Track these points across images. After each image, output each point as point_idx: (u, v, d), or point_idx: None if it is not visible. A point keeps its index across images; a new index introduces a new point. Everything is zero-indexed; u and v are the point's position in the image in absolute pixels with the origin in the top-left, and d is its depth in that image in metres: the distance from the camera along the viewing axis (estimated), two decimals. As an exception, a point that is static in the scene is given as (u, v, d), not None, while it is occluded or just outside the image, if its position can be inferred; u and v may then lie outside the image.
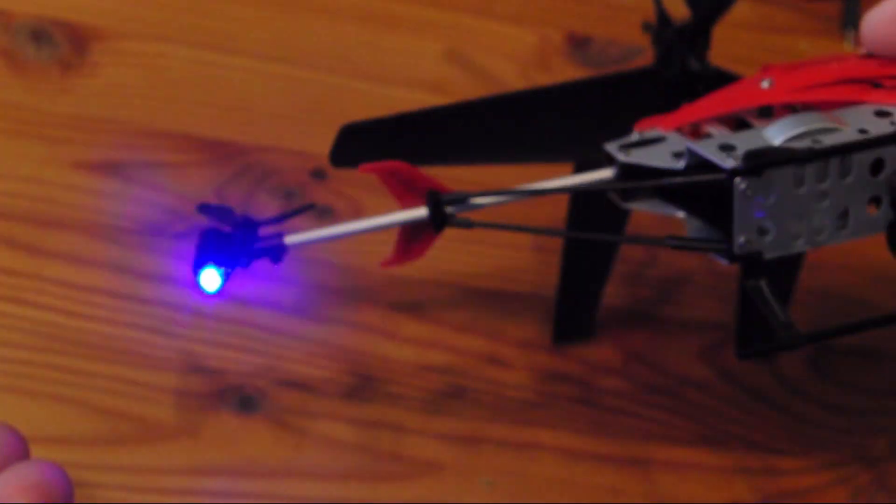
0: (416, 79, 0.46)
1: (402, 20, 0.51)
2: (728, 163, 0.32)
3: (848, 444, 0.44)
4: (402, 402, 0.43)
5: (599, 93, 0.40)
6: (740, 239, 0.33)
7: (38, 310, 0.43)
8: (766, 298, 0.33)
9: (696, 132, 0.35)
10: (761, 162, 0.31)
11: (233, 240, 0.35)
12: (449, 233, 0.46)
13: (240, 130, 0.47)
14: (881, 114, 0.33)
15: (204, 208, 0.36)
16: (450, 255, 0.46)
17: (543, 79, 0.51)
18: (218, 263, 0.35)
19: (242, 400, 0.42)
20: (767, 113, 0.34)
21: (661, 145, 0.34)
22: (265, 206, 0.45)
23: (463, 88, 0.49)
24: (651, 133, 0.34)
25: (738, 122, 0.35)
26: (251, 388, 0.42)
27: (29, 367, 0.42)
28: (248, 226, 0.35)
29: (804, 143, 0.32)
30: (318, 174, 0.47)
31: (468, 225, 0.35)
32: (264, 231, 0.36)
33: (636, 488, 0.42)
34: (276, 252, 0.36)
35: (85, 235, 0.44)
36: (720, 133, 0.34)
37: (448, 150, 0.39)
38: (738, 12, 0.53)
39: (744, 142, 0.33)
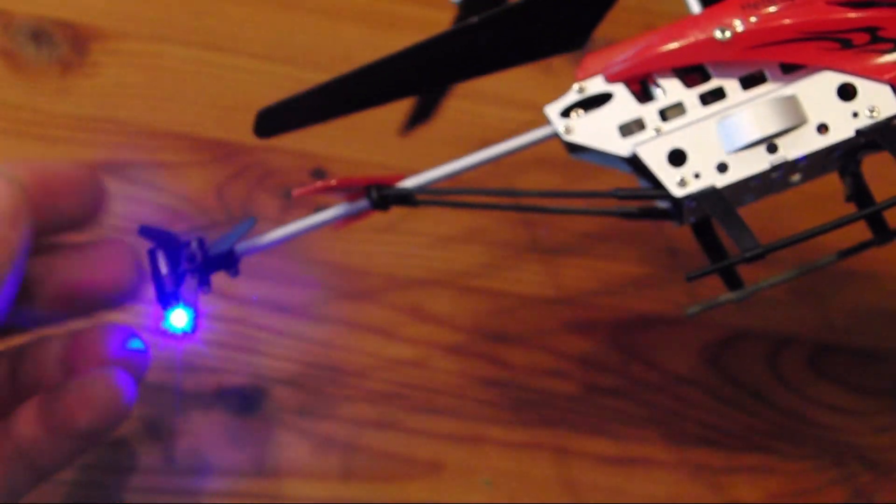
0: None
1: (402, 20, 0.51)
2: (677, 191, 0.31)
3: (848, 444, 0.44)
4: (402, 402, 0.43)
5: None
6: (690, 218, 0.32)
7: (38, 310, 0.43)
8: (723, 227, 0.32)
9: (646, 80, 0.33)
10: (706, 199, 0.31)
11: (184, 259, 0.35)
12: (449, 233, 0.46)
13: (240, 130, 0.47)
14: (845, 91, 0.31)
15: (145, 231, 0.35)
16: (449, 255, 0.46)
17: (544, 78, 0.50)
18: (176, 294, 0.34)
19: (242, 400, 0.42)
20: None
21: (606, 109, 0.32)
22: (265, 206, 0.45)
23: (463, 89, 0.49)
24: (595, 86, 0.32)
25: (699, 71, 0.33)
26: (251, 388, 0.42)
27: (29, 367, 0.42)
28: (196, 245, 0.35)
29: (761, 153, 0.31)
30: (318, 174, 0.47)
31: (414, 203, 0.35)
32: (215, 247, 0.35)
33: (636, 488, 0.42)
34: (230, 263, 0.36)
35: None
36: (672, 88, 0.32)
37: (369, 98, 0.37)
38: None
39: (696, 148, 0.31)
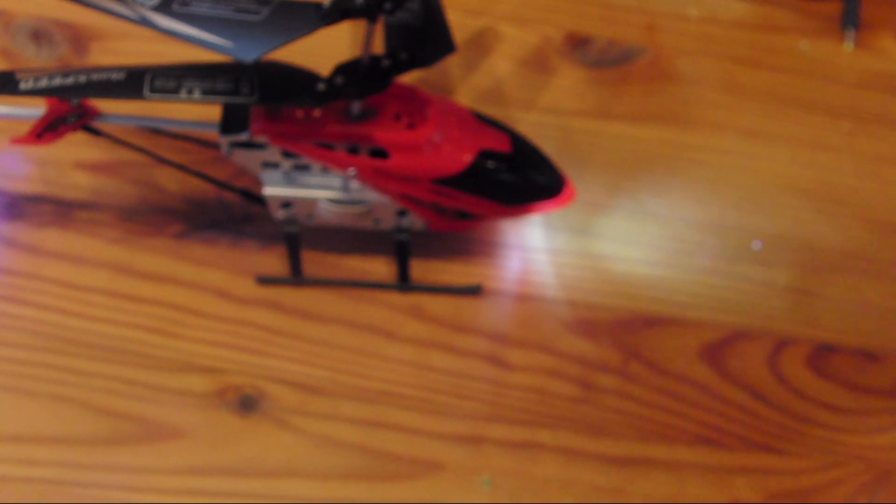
0: (419, 78, 0.46)
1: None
2: (276, 217, 0.42)
3: (848, 443, 0.44)
4: (402, 402, 0.43)
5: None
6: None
7: (38, 310, 0.43)
8: (294, 250, 0.43)
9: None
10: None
11: None
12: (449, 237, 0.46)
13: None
14: (401, 212, 0.42)
15: None
16: (450, 255, 0.46)
17: (543, 79, 0.51)
18: None
19: (242, 400, 0.42)
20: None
21: (259, 152, 0.40)
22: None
23: (464, 89, 0.49)
24: (260, 139, 0.40)
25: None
26: (251, 388, 0.42)
27: (29, 367, 0.42)
28: None
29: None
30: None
31: (95, 132, 0.42)
32: None
33: (636, 488, 0.42)
34: None
35: (85, 235, 0.44)
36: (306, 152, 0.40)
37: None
38: (738, 12, 0.53)
39: (301, 204, 0.42)
